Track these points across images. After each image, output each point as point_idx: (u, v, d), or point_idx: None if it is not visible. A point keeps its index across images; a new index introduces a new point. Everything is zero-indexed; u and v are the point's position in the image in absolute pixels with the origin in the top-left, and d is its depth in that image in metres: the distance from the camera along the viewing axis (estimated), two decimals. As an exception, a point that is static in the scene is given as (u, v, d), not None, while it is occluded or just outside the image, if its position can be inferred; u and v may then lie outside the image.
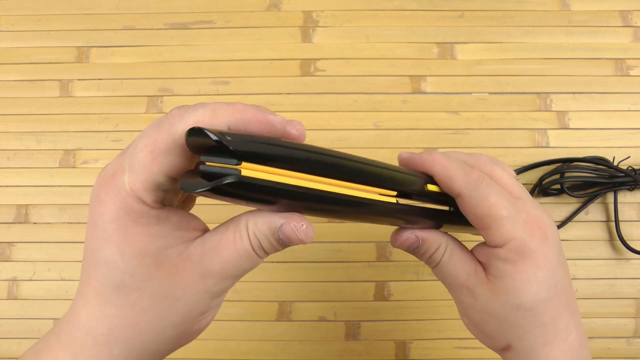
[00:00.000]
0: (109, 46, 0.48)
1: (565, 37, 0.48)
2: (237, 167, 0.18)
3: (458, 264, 0.26)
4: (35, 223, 0.45)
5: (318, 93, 0.47)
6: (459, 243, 0.27)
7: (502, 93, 0.47)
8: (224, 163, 0.18)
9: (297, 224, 0.20)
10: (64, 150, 0.46)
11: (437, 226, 0.27)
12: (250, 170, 0.18)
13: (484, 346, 0.42)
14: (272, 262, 0.44)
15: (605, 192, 0.44)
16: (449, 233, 0.28)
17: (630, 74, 0.47)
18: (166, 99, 0.47)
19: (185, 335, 0.22)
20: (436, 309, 0.43)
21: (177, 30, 0.48)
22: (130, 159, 0.19)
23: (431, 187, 0.26)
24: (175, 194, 0.22)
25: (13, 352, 0.42)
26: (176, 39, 0.48)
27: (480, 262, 0.26)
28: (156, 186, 0.19)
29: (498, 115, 0.46)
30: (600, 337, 0.42)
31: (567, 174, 0.43)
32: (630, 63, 0.47)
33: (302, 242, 0.21)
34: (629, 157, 0.44)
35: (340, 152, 0.22)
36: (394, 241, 0.27)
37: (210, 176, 0.18)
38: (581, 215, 0.44)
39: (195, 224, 0.22)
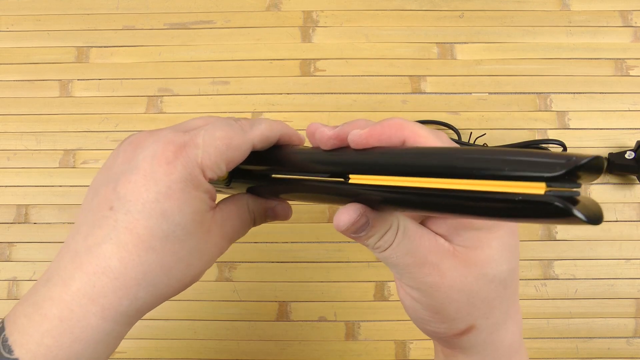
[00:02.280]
0: (109, 46, 0.48)
1: (565, 37, 0.48)
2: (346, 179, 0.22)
3: (415, 241, 0.23)
4: (35, 223, 0.45)
5: (318, 93, 0.47)
6: (409, 217, 0.24)
7: (502, 93, 0.47)
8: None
9: (282, 206, 0.28)
10: (64, 150, 0.46)
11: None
12: (357, 179, 0.21)
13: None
14: (272, 262, 0.44)
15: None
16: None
17: (630, 74, 0.47)
18: (166, 99, 0.47)
19: (186, 287, 0.25)
20: (436, 309, 0.43)
21: (177, 30, 0.48)
22: (204, 141, 0.23)
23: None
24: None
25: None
26: (176, 39, 0.48)
27: (439, 235, 0.23)
28: (218, 169, 0.24)
29: (498, 115, 0.46)
30: (600, 337, 0.42)
31: None
32: (630, 63, 0.47)
33: (285, 218, 0.29)
34: (485, 134, 0.44)
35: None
36: (341, 222, 0.22)
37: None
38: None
39: (215, 195, 0.26)
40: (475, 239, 0.22)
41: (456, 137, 0.45)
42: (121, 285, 0.22)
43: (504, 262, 0.22)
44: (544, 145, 0.43)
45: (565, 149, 0.43)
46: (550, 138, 0.44)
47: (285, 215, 0.28)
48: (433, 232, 0.23)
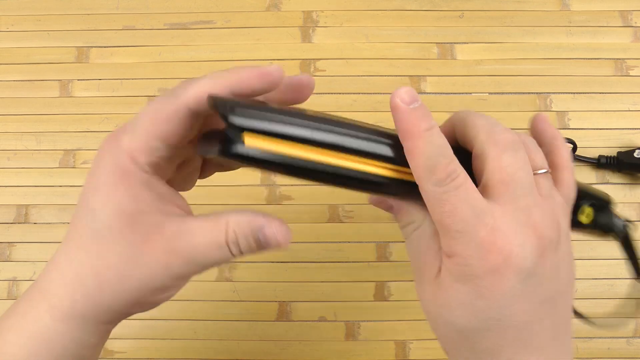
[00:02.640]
0: (109, 46, 0.48)
1: (565, 37, 0.48)
2: (240, 135, 0.19)
3: (423, 248, 0.23)
4: (35, 223, 0.45)
5: (318, 93, 0.47)
6: (427, 224, 0.24)
7: (502, 93, 0.47)
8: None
9: (278, 228, 0.21)
10: (64, 150, 0.46)
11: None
12: (253, 139, 0.19)
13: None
14: (272, 262, 0.44)
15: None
16: None
17: (630, 74, 0.47)
18: (166, 99, 0.47)
19: (140, 304, 0.22)
20: (436, 309, 0.43)
21: (177, 30, 0.48)
22: (133, 123, 0.21)
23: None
24: (170, 166, 0.22)
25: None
26: (176, 39, 0.48)
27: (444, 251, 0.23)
28: (151, 149, 0.20)
29: (498, 115, 0.46)
30: (600, 337, 0.42)
31: None
32: (630, 63, 0.47)
33: (279, 246, 0.21)
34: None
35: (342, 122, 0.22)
36: (371, 198, 0.26)
37: (226, 140, 0.19)
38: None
39: (180, 203, 0.22)
40: (445, 280, 0.21)
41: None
42: (63, 283, 0.21)
43: (458, 316, 0.21)
44: None
45: (575, 147, 0.43)
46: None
47: (278, 242, 0.22)
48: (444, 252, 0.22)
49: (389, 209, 0.25)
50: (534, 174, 0.22)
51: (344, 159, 0.21)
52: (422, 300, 0.23)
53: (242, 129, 0.19)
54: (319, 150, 0.20)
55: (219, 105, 0.19)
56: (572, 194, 0.24)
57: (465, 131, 0.23)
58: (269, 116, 0.19)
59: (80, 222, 0.21)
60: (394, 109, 0.21)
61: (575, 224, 0.26)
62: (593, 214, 0.26)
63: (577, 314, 0.31)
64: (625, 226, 0.27)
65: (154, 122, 0.20)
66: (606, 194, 0.28)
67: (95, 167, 0.21)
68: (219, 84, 0.20)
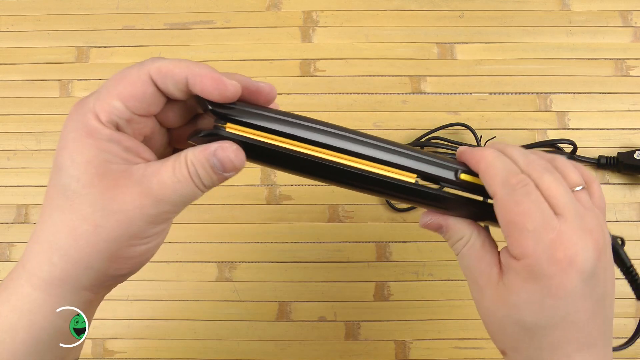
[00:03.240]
0: (109, 46, 0.48)
1: (565, 37, 0.48)
2: (223, 125, 0.23)
3: (475, 260, 0.26)
4: (35, 223, 0.45)
5: (318, 93, 0.47)
6: (489, 240, 0.27)
7: (502, 93, 0.47)
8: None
9: (229, 148, 0.23)
10: (64, 150, 0.46)
11: (469, 215, 0.27)
12: (234, 129, 0.23)
13: (484, 346, 0.42)
14: (272, 262, 0.44)
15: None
16: (486, 227, 0.28)
17: (630, 74, 0.47)
18: (166, 99, 0.47)
19: (117, 258, 0.22)
20: (436, 309, 0.43)
21: (177, 30, 0.48)
22: (100, 88, 0.22)
23: (465, 177, 0.27)
24: (141, 129, 0.24)
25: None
26: (176, 39, 0.48)
27: (500, 264, 0.26)
28: (112, 108, 0.22)
29: (498, 115, 0.46)
30: (600, 337, 0.42)
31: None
32: (630, 63, 0.47)
33: (233, 165, 0.23)
34: (495, 137, 0.44)
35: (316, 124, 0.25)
36: (420, 221, 0.28)
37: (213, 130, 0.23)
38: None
39: (146, 155, 0.23)
40: (512, 282, 0.24)
41: (473, 139, 0.45)
42: (40, 248, 0.22)
43: (528, 315, 0.23)
44: (556, 144, 0.43)
45: (575, 148, 0.43)
46: (561, 137, 0.44)
47: (232, 162, 0.23)
48: (497, 260, 0.26)
49: (438, 229, 0.28)
50: (573, 190, 0.25)
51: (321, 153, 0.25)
52: (484, 306, 0.25)
53: (226, 119, 0.23)
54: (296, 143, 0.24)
55: (205, 101, 0.23)
56: (603, 204, 0.26)
57: (484, 180, 0.27)
58: (246, 110, 0.23)
59: (51, 183, 0.22)
60: (462, 152, 0.27)
61: None
62: None
63: None
64: (614, 239, 0.28)
65: (116, 84, 0.22)
66: None
67: (64, 129, 0.22)
68: (180, 67, 0.22)
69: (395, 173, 0.26)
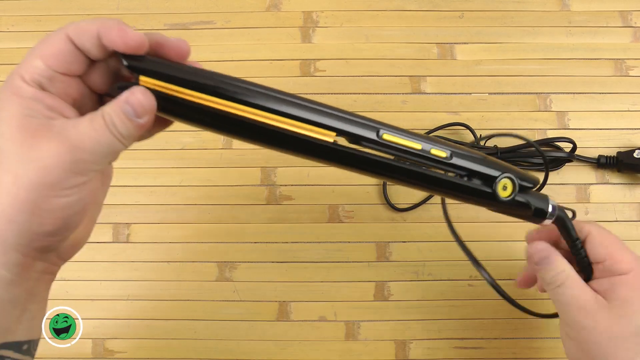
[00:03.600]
0: (109, 46, 0.48)
1: (565, 38, 0.48)
2: (137, 78, 0.24)
3: (579, 289, 0.29)
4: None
5: (318, 93, 0.47)
6: (575, 272, 0.30)
7: (502, 93, 0.47)
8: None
9: (137, 90, 0.24)
10: (64, 150, 0.46)
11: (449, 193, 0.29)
12: (146, 82, 0.24)
13: (484, 346, 0.42)
14: (272, 262, 0.44)
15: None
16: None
17: (630, 74, 0.47)
18: (166, 99, 0.47)
19: (39, 209, 0.23)
20: (436, 309, 0.43)
21: (177, 30, 0.48)
22: (27, 53, 0.23)
23: (388, 137, 0.27)
24: (60, 87, 0.24)
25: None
26: (176, 39, 0.48)
27: (596, 291, 0.30)
28: (35, 68, 0.23)
29: (498, 115, 0.46)
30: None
31: None
32: (630, 63, 0.47)
33: (143, 108, 0.24)
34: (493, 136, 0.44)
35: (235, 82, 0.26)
36: (529, 249, 0.31)
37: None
38: (581, 215, 0.44)
39: (68, 113, 0.24)
40: (628, 295, 0.28)
41: (472, 138, 0.45)
42: None
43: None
44: (554, 142, 0.43)
45: (575, 147, 0.43)
46: (560, 136, 0.44)
47: (141, 105, 0.24)
48: (590, 287, 0.30)
49: (543, 259, 0.31)
50: None
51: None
52: (600, 331, 0.28)
53: (138, 71, 0.24)
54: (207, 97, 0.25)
55: (120, 55, 0.24)
56: None
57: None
58: (156, 63, 0.25)
59: None
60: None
61: (493, 198, 0.28)
62: (512, 188, 0.28)
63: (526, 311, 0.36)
64: (558, 209, 0.30)
65: (39, 46, 0.23)
66: (534, 176, 0.30)
67: None
68: (93, 23, 0.23)
69: (313, 131, 0.26)
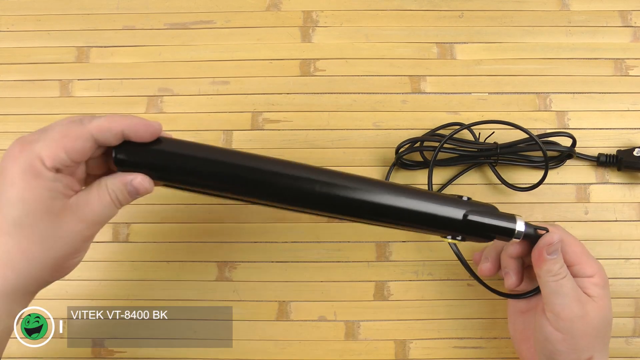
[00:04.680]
0: (109, 46, 0.48)
1: (565, 37, 0.48)
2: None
3: (575, 283, 0.33)
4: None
5: (318, 93, 0.47)
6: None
7: (502, 93, 0.47)
8: None
9: (141, 179, 0.30)
10: (64, 150, 0.46)
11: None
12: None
13: (484, 346, 0.42)
14: (272, 262, 0.44)
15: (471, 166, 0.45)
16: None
17: (630, 74, 0.47)
18: (166, 99, 0.47)
19: (60, 269, 0.29)
20: (436, 309, 0.43)
21: (177, 30, 0.48)
22: (45, 134, 0.27)
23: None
24: (74, 169, 0.29)
25: (13, 352, 0.42)
26: (176, 39, 0.48)
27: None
28: (58, 158, 0.27)
29: (498, 115, 0.46)
30: (599, 337, 0.42)
31: (426, 143, 0.44)
32: (630, 63, 0.47)
33: (146, 190, 0.30)
34: (493, 132, 0.44)
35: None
36: (548, 239, 0.33)
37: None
38: (580, 215, 0.44)
39: (77, 187, 0.29)
40: (598, 293, 0.33)
41: (472, 138, 0.45)
42: None
43: (610, 311, 0.33)
44: (553, 137, 0.43)
45: (574, 141, 0.42)
46: (560, 130, 0.44)
47: (145, 189, 0.30)
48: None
49: (557, 250, 0.33)
50: None
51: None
52: (589, 319, 0.32)
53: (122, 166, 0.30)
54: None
55: (115, 150, 0.29)
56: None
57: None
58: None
59: (1, 212, 0.27)
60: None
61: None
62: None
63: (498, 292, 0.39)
64: (525, 230, 0.34)
65: (62, 138, 0.27)
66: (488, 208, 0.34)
67: (10, 165, 0.27)
68: (115, 122, 0.28)
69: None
